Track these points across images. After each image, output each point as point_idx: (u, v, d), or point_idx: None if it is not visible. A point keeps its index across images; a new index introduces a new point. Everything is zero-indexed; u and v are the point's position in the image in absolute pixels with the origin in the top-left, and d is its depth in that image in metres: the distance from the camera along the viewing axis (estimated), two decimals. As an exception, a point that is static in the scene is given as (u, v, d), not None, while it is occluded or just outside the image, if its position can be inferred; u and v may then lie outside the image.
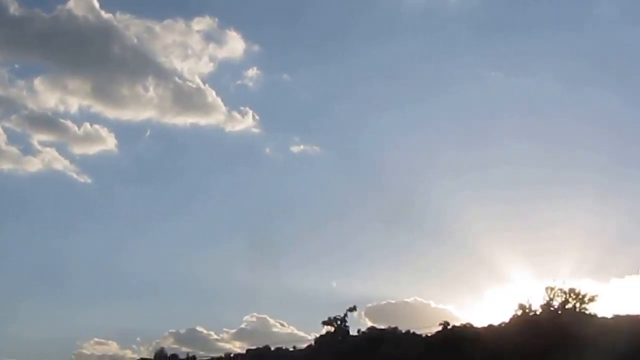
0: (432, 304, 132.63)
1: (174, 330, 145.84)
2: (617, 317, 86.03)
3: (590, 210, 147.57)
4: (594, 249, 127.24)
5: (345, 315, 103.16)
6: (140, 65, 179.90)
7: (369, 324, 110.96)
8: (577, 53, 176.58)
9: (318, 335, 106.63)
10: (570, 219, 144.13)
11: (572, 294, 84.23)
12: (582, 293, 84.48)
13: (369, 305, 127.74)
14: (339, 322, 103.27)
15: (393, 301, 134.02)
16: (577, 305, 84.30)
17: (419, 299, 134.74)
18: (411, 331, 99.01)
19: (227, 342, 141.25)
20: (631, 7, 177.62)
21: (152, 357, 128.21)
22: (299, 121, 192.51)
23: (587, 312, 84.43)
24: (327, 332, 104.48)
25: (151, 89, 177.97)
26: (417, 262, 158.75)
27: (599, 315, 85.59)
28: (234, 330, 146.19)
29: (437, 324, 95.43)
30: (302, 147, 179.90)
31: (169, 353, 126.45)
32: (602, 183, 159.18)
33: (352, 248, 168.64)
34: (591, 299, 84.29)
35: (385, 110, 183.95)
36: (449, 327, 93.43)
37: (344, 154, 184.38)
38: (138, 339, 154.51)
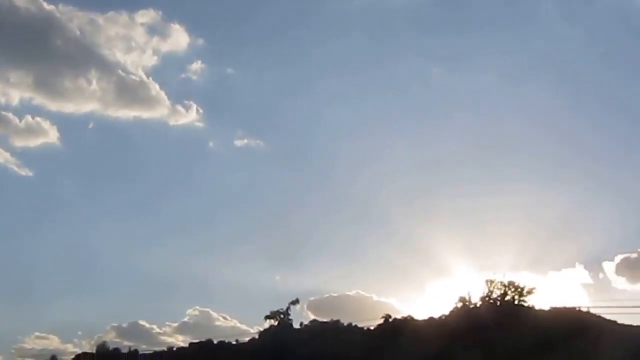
0: (374, 297, 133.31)
1: (115, 324, 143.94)
2: (554, 309, 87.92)
3: (529, 204, 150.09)
4: (532, 243, 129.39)
5: (288, 308, 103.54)
6: (83, 57, 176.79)
7: (312, 317, 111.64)
8: (517, 51, 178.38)
9: (261, 329, 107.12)
10: (510, 214, 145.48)
11: (511, 287, 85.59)
12: (521, 286, 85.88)
13: (312, 298, 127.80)
14: (281, 316, 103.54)
15: (335, 294, 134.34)
16: (516, 297, 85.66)
17: (361, 292, 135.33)
18: (353, 324, 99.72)
19: (169, 335, 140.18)
20: (569, 5, 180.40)
21: (94, 352, 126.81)
22: (242, 115, 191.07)
23: (525, 304, 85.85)
24: (270, 326, 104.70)
25: (94, 81, 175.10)
26: (359, 256, 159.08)
27: (537, 307, 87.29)
28: (176, 324, 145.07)
29: (379, 316, 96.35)
30: (245, 141, 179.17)
31: (110, 347, 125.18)
32: (540, 178, 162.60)
33: (295, 242, 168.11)
34: (529, 292, 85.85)
35: (329, 106, 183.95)
36: (390, 319, 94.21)
37: (288, 149, 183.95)
38: (79, 333, 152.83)
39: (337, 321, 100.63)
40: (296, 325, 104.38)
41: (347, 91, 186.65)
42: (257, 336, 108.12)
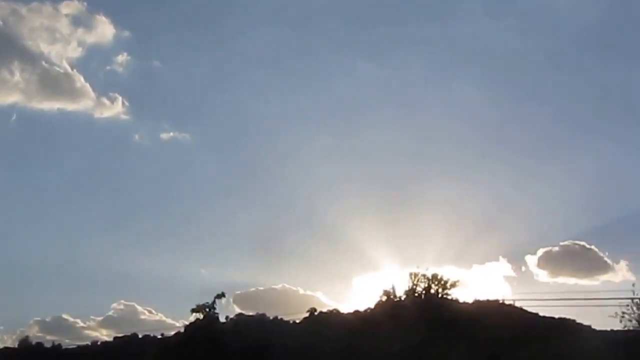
0: (301, 291, 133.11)
1: (39, 319, 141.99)
2: (477, 302, 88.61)
3: (453, 199, 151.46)
4: (457, 237, 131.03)
5: (214, 302, 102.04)
6: (6, 48, 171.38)
7: (238, 310, 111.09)
8: (443, 45, 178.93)
9: (187, 323, 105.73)
10: (435, 208, 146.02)
11: (434, 280, 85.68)
12: (445, 279, 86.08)
13: (238, 292, 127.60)
14: (207, 309, 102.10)
15: (262, 288, 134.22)
16: (440, 290, 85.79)
17: (287, 286, 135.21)
18: (279, 317, 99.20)
19: (94, 329, 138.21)
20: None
21: (16, 347, 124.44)
22: (169, 108, 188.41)
23: (449, 297, 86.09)
24: (196, 319, 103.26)
25: (17, 73, 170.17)
26: (286, 250, 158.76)
27: (461, 300, 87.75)
28: (101, 318, 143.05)
29: (305, 310, 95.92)
30: (171, 134, 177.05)
31: (33, 342, 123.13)
32: (464, 172, 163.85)
33: (222, 235, 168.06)
34: (453, 285, 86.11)
35: (255, 98, 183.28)
36: (315, 313, 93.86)
37: (214, 142, 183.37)
38: (1, 327, 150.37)
39: (263, 315, 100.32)
40: (222, 319, 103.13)
41: (273, 83, 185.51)
42: (182, 330, 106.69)
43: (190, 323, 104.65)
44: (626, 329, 77.76)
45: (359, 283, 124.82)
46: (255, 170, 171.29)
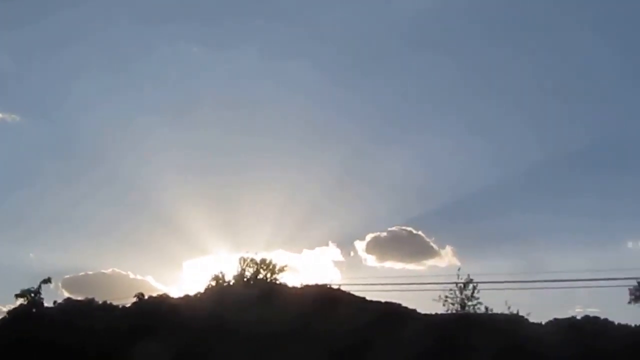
0: (131, 275, 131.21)
1: None
2: (306, 287, 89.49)
3: (284, 183, 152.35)
4: (287, 222, 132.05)
5: (40, 287, 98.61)
6: None
7: (66, 295, 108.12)
8: (281, 27, 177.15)
9: (11, 308, 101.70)
10: (266, 192, 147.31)
11: (263, 265, 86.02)
12: (273, 263, 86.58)
13: (67, 276, 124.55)
14: (32, 295, 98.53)
15: (91, 272, 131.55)
16: (269, 275, 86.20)
17: (117, 270, 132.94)
18: (108, 302, 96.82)
19: None
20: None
21: None
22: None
23: (277, 281, 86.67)
24: (20, 305, 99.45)
25: None
26: (115, 233, 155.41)
27: (290, 285, 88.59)
28: None
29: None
30: (0, 115, 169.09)
31: None
32: (296, 157, 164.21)
33: (51, 219, 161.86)
34: (281, 269, 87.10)
35: (84, 78, 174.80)
36: (144, 298, 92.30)
37: (45, 124, 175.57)
38: None
39: (92, 300, 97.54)
40: (49, 304, 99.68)
41: (103, 63, 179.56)
42: (6, 315, 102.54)
43: (13, 308, 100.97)
44: (448, 312, 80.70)
45: (189, 267, 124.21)
46: (83, 151, 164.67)
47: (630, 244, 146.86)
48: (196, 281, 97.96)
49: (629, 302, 77.83)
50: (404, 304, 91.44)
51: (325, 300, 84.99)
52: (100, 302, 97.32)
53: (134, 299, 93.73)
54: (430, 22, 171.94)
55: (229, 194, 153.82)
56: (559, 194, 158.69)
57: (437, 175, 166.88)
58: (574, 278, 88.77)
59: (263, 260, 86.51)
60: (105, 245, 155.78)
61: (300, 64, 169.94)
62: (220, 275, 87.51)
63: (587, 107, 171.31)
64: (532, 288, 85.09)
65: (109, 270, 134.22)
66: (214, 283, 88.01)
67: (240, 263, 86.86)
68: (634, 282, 77.68)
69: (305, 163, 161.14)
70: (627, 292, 78.50)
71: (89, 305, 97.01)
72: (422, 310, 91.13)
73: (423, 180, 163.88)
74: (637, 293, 78.07)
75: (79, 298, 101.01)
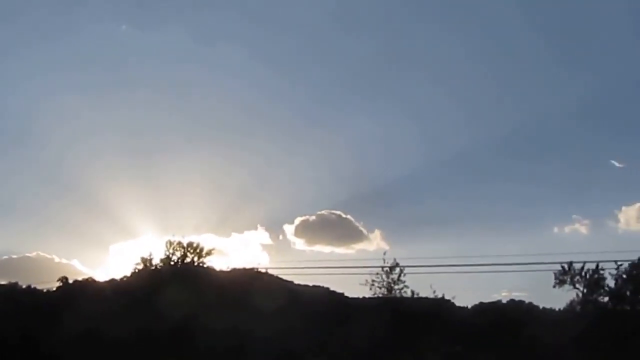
0: (56, 259, 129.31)
1: None
2: (234, 270, 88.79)
3: (214, 168, 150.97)
4: (216, 206, 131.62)
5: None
6: None
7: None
8: (211, 10, 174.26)
9: None
10: (196, 177, 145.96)
11: (190, 248, 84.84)
12: (201, 247, 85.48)
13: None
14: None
15: (15, 256, 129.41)
16: (196, 259, 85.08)
17: (42, 254, 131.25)
18: (32, 286, 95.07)
19: None
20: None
21: None
22: None
23: (204, 265, 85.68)
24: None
25: None
26: (40, 216, 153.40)
27: (217, 268, 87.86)
28: None
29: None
30: None
31: None
32: (225, 141, 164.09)
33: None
34: (208, 253, 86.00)
35: (10, 56, 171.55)
36: (69, 282, 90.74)
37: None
38: None
39: (15, 284, 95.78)
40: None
41: (29, 43, 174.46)
42: None
43: None
44: (375, 295, 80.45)
45: (116, 251, 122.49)
46: (9, 135, 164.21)
47: (556, 229, 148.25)
48: (123, 265, 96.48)
49: (554, 286, 78.20)
50: (332, 288, 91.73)
51: (252, 283, 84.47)
52: (25, 286, 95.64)
53: (59, 283, 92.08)
54: (359, 4, 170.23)
55: (158, 177, 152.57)
56: (487, 180, 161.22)
57: (367, 159, 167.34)
58: (500, 262, 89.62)
59: (190, 244, 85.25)
60: (30, 229, 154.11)
61: (229, 47, 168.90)
62: (147, 259, 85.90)
63: (515, 94, 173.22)
64: (459, 272, 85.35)
65: (33, 254, 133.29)
66: (140, 267, 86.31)
67: (167, 246, 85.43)
68: (559, 267, 78.04)
69: (234, 147, 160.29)
70: (553, 276, 78.85)
71: (12, 289, 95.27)
72: (350, 294, 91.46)
73: (352, 164, 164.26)
74: (562, 277, 78.38)
75: (3, 282, 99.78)
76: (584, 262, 77.15)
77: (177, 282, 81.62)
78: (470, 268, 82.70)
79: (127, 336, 76.59)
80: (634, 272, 77.65)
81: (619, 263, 76.28)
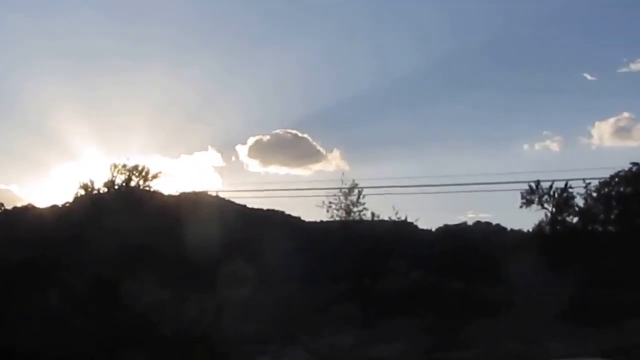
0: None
1: None
2: (182, 194, 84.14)
3: (161, 86, 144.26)
4: (164, 126, 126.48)
5: None
6: None
7: None
8: None
9: None
10: (142, 94, 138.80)
11: (135, 171, 79.62)
12: (146, 169, 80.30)
13: None
14: None
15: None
16: (141, 182, 79.92)
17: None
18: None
19: None
20: None
21: None
22: None
23: (151, 189, 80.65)
24: None
25: None
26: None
27: (165, 192, 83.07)
28: None
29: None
30: None
31: None
32: (174, 58, 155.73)
33: None
34: (154, 176, 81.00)
35: None
36: (7, 208, 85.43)
37: None
38: None
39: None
40: None
41: None
42: None
43: None
44: (332, 218, 76.58)
45: (56, 175, 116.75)
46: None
47: (526, 147, 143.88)
48: (64, 190, 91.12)
49: (521, 207, 74.58)
50: (287, 211, 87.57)
51: (200, 206, 79.73)
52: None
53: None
54: None
55: (101, 96, 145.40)
56: (451, 95, 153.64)
57: (324, 75, 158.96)
58: (466, 182, 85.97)
59: (135, 167, 79.84)
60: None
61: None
62: (90, 183, 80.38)
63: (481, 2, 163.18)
64: (422, 193, 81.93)
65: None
66: (82, 192, 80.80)
67: (111, 170, 79.94)
68: (526, 186, 74.33)
69: (183, 64, 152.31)
70: (520, 196, 75.03)
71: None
72: (306, 217, 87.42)
73: (309, 81, 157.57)
74: (529, 197, 74.75)
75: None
76: (553, 181, 73.77)
77: (121, 207, 76.69)
78: (434, 188, 79.66)
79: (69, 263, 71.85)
80: (604, 190, 74.29)
81: (587, 181, 72.87)
